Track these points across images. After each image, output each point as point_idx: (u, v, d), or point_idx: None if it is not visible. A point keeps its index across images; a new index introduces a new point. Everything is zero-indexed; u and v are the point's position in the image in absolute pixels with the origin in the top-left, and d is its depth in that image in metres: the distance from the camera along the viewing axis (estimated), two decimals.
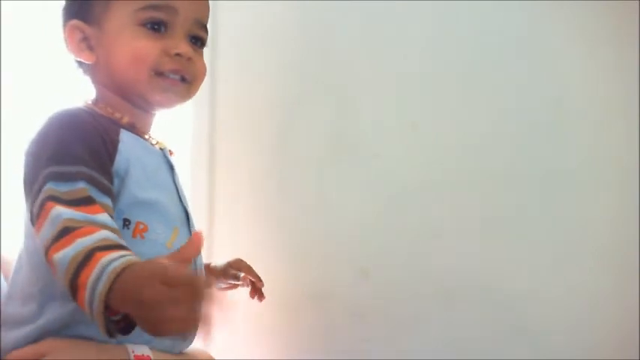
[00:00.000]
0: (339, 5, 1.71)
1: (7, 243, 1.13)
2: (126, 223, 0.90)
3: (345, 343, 1.66)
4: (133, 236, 0.89)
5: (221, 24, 1.75)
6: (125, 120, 1.00)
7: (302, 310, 1.69)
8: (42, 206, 0.81)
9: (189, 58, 1.02)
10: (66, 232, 0.78)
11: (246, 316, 1.67)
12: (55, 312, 0.87)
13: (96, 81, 1.04)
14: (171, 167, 1.05)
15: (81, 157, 0.85)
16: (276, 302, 1.70)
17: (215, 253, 1.71)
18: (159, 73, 0.99)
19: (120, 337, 0.77)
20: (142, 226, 0.91)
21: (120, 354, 0.83)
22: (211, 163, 1.78)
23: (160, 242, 0.92)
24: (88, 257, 0.75)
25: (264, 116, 1.76)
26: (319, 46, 1.74)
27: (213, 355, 1.15)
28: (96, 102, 1.03)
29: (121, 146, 0.92)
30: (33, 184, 0.84)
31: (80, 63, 1.05)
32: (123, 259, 0.74)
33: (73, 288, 0.75)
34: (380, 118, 1.69)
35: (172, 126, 1.75)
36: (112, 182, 0.88)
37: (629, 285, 1.53)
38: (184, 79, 1.03)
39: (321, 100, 1.73)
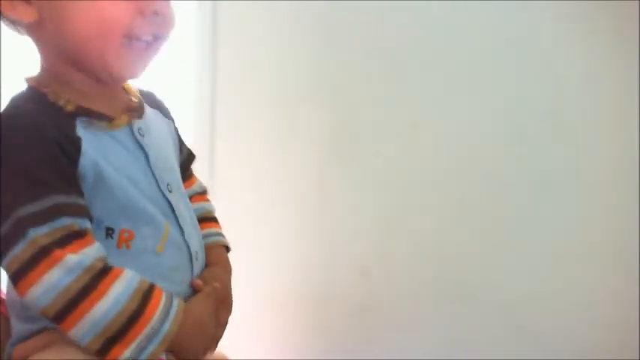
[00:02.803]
0: (340, 5, 1.71)
1: None
2: (109, 232, 0.80)
3: (345, 343, 1.66)
4: (118, 246, 0.80)
5: (221, 23, 1.75)
6: (71, 107, 0.80)
7: (302, 310, 1.69)
8: (39, 259, 0.73)
9: (165, 15, 0.84)
10: (98, 280, 0.74)
11: (247, 316, 1.68)
12: None
13: (40, 45, 0.84)
14: (142, 148, 0.86)
15: (51, 183, 0.74)
16: (277, 302, 1.71)
17: None
18: (131, 39, 0.81)
19: None
20: (127, 234, 0.80)
21: None
22: (211, 163, 1.78)
23: (149, 249, 0.82)
24: (148, 295, 0.78)
25: (264, 116, 1.76)
26: (319, 46, 1.74)
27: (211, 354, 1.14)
28: (40, 77, 0.84)
29: (84, 146, 0.78)
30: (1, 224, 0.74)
31: (13, 21, 0.82)
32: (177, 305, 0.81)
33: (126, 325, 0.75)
34: (380, 118, 1.69)
35: None
36: (82, 192, 0.77)
37: (629, 285, 1.53)
38: (158, 36, 0.84)
39: (321, 99, 1.73)
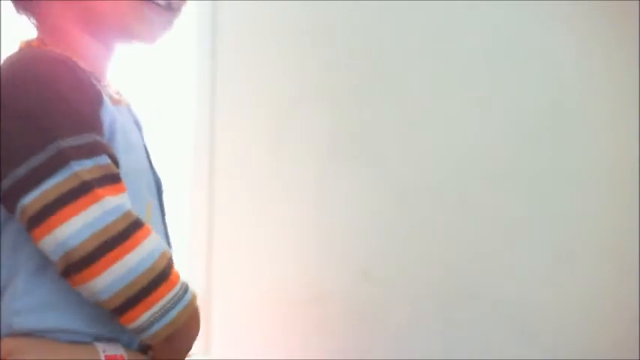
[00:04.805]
0: (340, 6, 1.71)
1: None
2: None
3: (345, 343, 1.66)
4: None
5: (221, 24, 1.75)
6: (84, 66, 0.78)
7: (302, 310, 1.69)
8: (79, 194, 0.68)
9: None
10: (133, 230, 0.70)
11: (247, 316, 1.67)
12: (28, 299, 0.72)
13: (53, 11, 0.82)
14: (138, 126, 0.86)
15: (92, 120, 0.72)
16: (277, 302, 1.71)
17: (215, 254, 1.71)
18: None
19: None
20: None
21: (90, 353, 0.72)
22: (212, 163, 1.77)
23: None
24: (167, 273, 0.73)
25: (264, 116, 1.76)
26: (319, 47, 1.74)
27: (213, 355, 1.14)
28: (45, 43, 0.81)
29: (105, 99, 0.76)
30: (33, 153, 0.69)
31: None
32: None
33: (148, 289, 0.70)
34: (379, 119, 1.69)
35: (173, 126, 1.75)
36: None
37: (630, 285, 1.53)
38: (171, 6, 0.84)
39: (321, 100, 1.73)
